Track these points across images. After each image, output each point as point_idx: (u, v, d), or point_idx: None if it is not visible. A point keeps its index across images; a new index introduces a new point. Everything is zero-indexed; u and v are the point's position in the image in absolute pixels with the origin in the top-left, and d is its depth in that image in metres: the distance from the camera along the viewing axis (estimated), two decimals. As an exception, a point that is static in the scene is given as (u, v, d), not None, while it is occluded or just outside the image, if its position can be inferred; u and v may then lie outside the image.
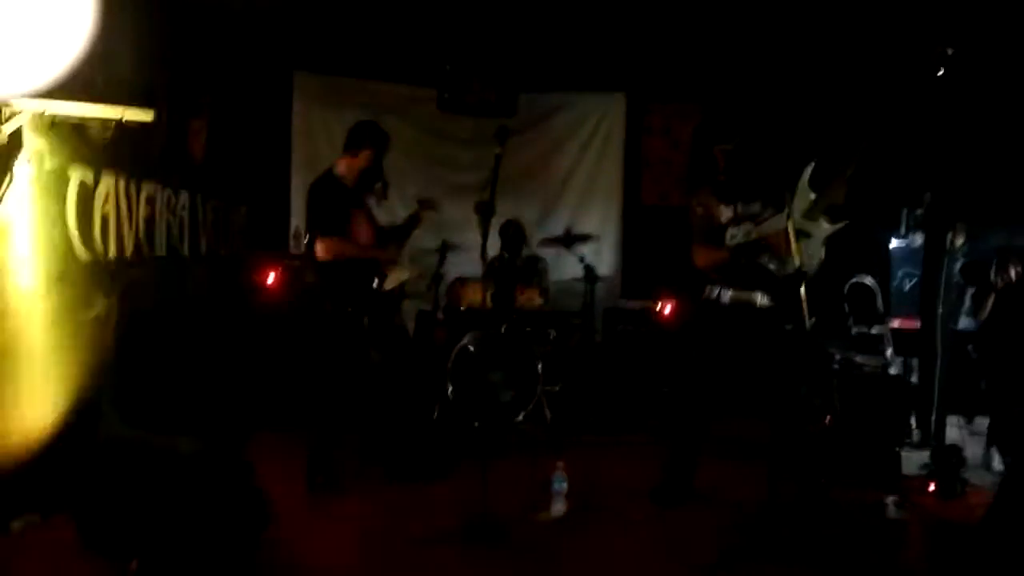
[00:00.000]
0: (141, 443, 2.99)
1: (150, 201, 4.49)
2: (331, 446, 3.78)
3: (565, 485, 3.55)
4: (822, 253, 3.63)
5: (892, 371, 5.49)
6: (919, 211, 6.20)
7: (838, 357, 5.90)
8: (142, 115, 3.37)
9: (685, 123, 7.00)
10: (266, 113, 6.46)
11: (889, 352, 5.63)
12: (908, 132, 6.01)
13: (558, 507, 3.55)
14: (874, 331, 5.78)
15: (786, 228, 3.31)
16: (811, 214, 3.57)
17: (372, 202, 4.01)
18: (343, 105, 6.61)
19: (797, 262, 3.26)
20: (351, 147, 3.90)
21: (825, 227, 3.60)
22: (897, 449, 4.45)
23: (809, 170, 3.62)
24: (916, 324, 5.68)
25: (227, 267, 5.76)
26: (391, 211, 5.31)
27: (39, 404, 3.44)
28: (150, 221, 4.48)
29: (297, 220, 6.57)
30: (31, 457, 3.33)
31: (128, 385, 3.74)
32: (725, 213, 3.80)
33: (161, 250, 4.65)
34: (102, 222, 3.89)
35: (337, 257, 3.72)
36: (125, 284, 4.11)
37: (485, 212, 3.31)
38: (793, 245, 3.26)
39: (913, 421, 4.97)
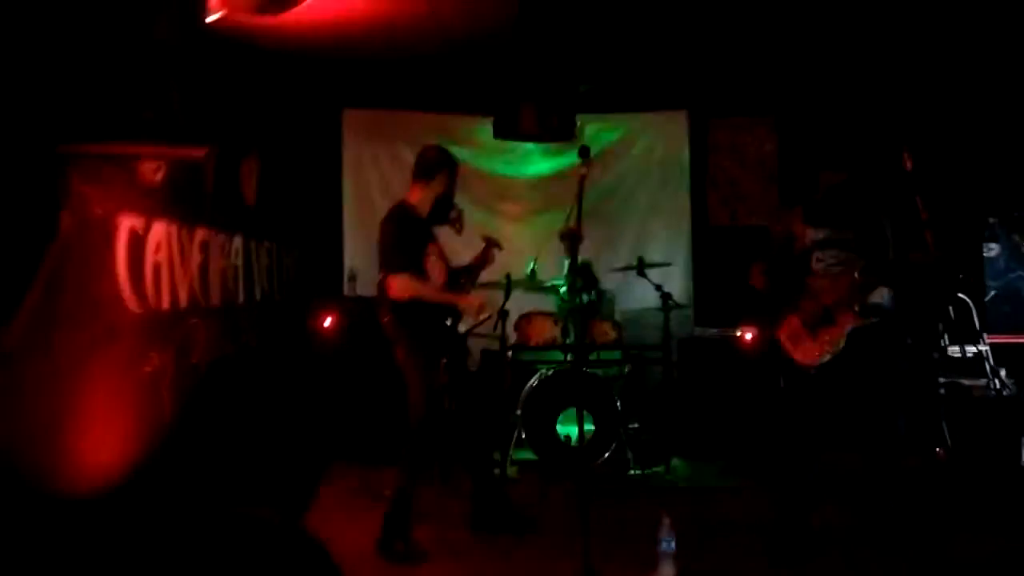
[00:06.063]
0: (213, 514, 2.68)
1: (203, 247, 4.26)
2: (411, 507, 3.43)
3: (674, 544, 3.13)
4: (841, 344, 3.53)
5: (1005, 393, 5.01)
6: (992, 220, 5.75)
7: (943, 381, 5.40)
8: (193, 152, 3.11)
9: (753, 138, 6.63)
10: (315, 152, 6.28)
11: (1003, 372, 5.12)
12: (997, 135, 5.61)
13: (667, 569, 3.13)
14: (973, 350, 5.29)
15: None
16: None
17: (448, 231, 3.71)
18: (394, 139, 6.41)
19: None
20: (423, 174, 3.61)
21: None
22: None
23: None
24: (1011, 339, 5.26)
25: (283, 313, 5.52)
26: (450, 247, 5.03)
27: (93, 466, 3.15)
28: (204, 268, 4.25)
29: (351, 261, 6.35)
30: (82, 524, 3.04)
31: (191, 449, 3.46)
32: (812, 235, 3.63)
33: (216, 299, 4.41)
34: (154, 272, 3.64)
35: (412, 298, 3.40)
36: (181, 337, 3.86)
37: (572, 239, 2.97)
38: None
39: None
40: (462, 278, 3.74)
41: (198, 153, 3.19)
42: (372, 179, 6.47)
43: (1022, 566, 3.25)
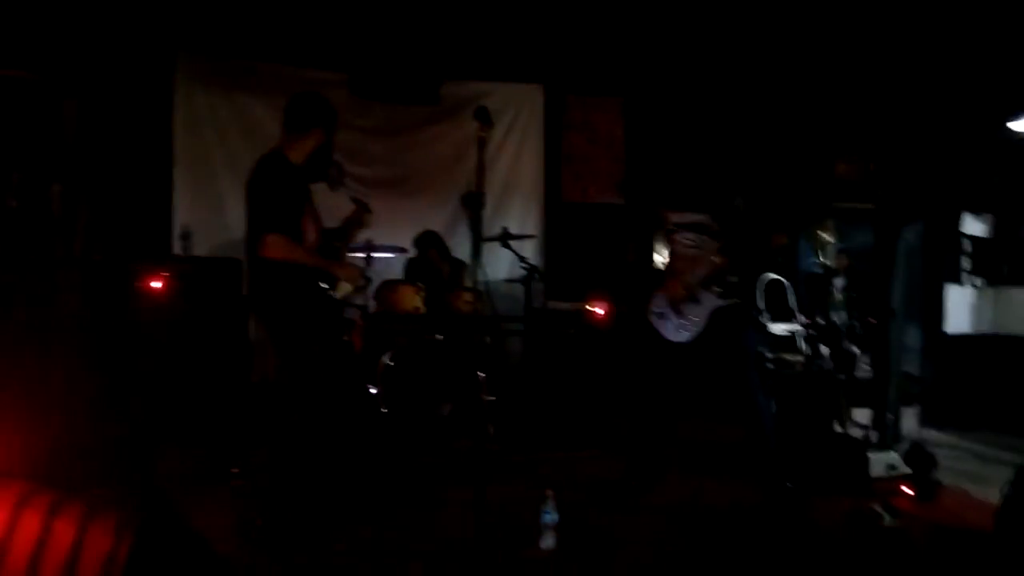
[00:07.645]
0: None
1: (17, 193, 3.67)
2: (277, 482, 3.13)
3: (556, 516, 3.10)
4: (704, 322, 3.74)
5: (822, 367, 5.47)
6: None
7: (769, 356, 5.82)
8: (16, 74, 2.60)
9: (606, 117, 6.75)
10: (144, 97, 5.61)
11: (823, 348, 5.59)
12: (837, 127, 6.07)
13: (548, 541, 3.10)
14: (790, 328, 5.75)
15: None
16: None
17: (325, 188, 3.39)
18: (235, 90, 5.89)
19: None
20: (297, 127, 3.26)
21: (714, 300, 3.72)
22: (866, 451, 4.31)
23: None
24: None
25: (105, 273, 4.90)
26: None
27: None
28: (17, 217, 3.66)
29: (183, 218, 5.78)
30: None
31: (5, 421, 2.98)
32: (674, 219, 3.86)
33: (31, 253, 3.83)
34: (-40, 217, 3.08)
35: (285, 260, 3.07)
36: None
37: (474, 204, 2.81)
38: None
39: (864, 420, 4.92)
40: (336, 241, 3.45)
41: (23, 76, 2.67)
42: (206, 131, 5.91)
43: (876, 520, 3.55)
